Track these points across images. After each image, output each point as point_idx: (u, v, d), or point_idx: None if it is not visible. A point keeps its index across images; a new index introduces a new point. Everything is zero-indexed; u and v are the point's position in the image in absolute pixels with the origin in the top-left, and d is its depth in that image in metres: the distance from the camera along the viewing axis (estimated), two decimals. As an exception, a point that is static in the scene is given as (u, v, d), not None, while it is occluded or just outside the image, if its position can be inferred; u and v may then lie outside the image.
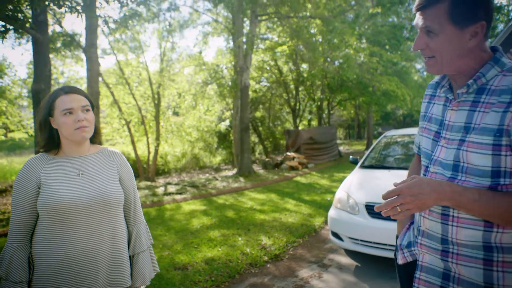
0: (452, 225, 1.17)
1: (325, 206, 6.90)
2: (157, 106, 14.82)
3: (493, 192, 1.08)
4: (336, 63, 13.48)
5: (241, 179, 11.29)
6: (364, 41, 13.36)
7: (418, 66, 20.34)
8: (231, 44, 13.65)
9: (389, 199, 1.09)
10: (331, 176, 11.22)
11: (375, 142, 5.85)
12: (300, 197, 8.02)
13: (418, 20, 1.15)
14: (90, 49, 9.38)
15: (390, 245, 3.66)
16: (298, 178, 11.13)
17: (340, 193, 4.42)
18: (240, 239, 5.09)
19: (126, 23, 8.43)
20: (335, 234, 4.21)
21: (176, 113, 17.69)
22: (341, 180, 10.15)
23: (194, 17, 14.19)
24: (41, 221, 1.57)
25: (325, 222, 5.87)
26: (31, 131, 23.09)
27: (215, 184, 10.57)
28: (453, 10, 1.08)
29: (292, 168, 12.89)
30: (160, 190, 9.95)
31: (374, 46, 12.57)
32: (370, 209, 3.91)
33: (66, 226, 1.55)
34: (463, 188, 1.08)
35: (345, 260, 4.32)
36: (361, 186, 4.45)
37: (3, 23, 6.84)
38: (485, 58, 1.15)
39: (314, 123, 23.03)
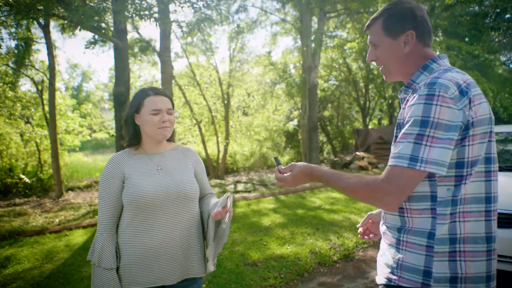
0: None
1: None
2: (227, 106, 15.19)
3: (337, 172, 1.33)
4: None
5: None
6: (439, 34, 12.46)
7: (503, 58, 18.57)
8: (299, 43, 13.57)
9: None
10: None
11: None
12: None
13: (368, 37, 1.40)
14: (164, 53, 9.88)
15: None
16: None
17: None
18: (308, 237, 5.03)
19: (198, 26, 8.75)
20: None
21: (245, 113, 17.98)
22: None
23: (262, 17, 14.33)
24: (125, 212, 1.68)
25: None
26: (112, 132, 25.05)
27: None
28: (385, 24, 1.33)
29: (362, 168, 12.48)
30: (230, 188, 10.20)
31: (451, 39, 11.67)
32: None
33: (148, 217, 1.65)
34: (317, 169, 1.38)
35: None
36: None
37: (93, 35, 7.51)
38: (421, 64, 1.32)
39: (385, 122, 22.06)
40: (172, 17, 8.94)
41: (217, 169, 14.58)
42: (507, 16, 13.04)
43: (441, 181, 1.17)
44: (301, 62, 13.35)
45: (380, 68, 1.42)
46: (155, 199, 1.65)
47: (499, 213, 3.36)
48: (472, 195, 1.16)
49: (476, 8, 13.09)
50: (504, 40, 14.62)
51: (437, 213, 1.17)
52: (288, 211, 6.81)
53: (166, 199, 1.68)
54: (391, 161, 1.16)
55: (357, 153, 13.38)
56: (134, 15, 7.06)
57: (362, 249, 4.64)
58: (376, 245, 4.75)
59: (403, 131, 1.16)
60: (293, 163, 1.45)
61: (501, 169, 4.22)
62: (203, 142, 14.16)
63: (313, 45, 11.13)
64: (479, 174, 1.17)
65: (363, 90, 18.87)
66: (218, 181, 12.29)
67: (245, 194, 8.78)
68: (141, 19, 7.26)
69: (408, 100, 1.26)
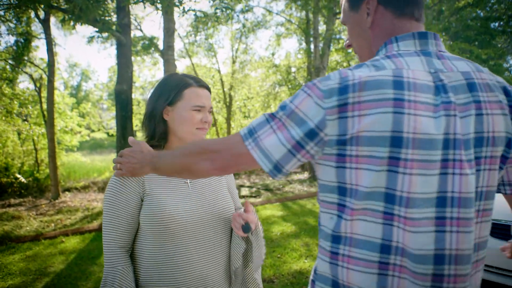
0: None
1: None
2: (229, 107, 14.87)
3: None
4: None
5: (316, 183, 10.82)
6: (445, 36, 12.15)
7: (506, 65, 18.26)
8: (303, 45, 13.26)
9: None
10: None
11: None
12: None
13: None
14: (167, 52, 9.51)
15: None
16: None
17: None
18: (325, 250, 4.67)
19: (208, 20, 8.41)
20: None
21: (246, 116, 17.65)
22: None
23: (267, 18, 14.04)
24: (144, 240, 1.28)
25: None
26: (112, 131, 24.66)
27: (290, 187, 10.23)
28: None
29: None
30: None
31: (461, 42, 11.38)
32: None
33: (175, 246, 1.26)
34: (152, 153, 1.16)
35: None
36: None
37: (95, 30, 7.16)
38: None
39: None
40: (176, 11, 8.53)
41: (219, 172, 14.20)
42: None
43: (324, 204, 0.90)
44: (306, 64, 13.04)
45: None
46: (183, 221, 1.25)
47: (494, 223, 3.10)
48: (362, 238, 0.84)
49: (480, 12, 12.83)
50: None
51: (320, 244, 0.91)
52: (298, 219, 6.44)
53: (199, 221, 1.29)
54: None
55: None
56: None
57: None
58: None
59: None
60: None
61: None
62: (205, 144, 13.80)
63: (321, 45, 10.81)
64: (373, 213, 0.82)
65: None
66: (220, 184, 11.90)
67: (251, 200, 8.41)
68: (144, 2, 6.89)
69: None
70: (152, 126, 1.34)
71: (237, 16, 12.74)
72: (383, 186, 0.80)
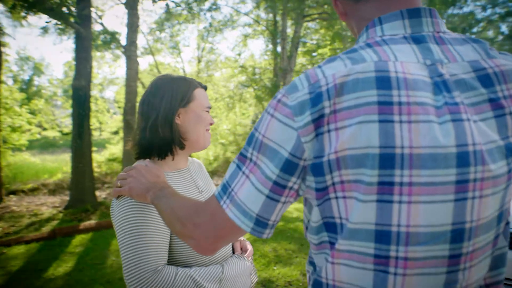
0: None
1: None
2: (192, 108, 14.52)
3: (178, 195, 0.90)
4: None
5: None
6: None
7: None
8: (270, 46, 13.21)
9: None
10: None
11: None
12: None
13: None
14: (130, 48, 9.09)
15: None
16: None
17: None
18: (294, 255, 4.50)
19: (170, 19, 8.08)
20: None
21: (213, 117, 17.48)
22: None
23: (234, 17, 13.86)
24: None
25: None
26: (66, 129, 23.39)
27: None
28: None
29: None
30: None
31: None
32: None
33: (186, 257, 1.18)
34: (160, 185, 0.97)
35: None
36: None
37: (48, 19, 6.61)
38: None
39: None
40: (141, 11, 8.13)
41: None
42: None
43: (313, 246, 0.72)
44: (273, 65, 13.00)
45: None
46: None
47: None
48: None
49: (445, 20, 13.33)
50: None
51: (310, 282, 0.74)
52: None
53: None
54: None
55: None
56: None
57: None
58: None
59: None
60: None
61: None
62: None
63: (288, 47, 10.77)
64: (360, 256, 0.63)
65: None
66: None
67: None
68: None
69: None
70: (169, 131, 1.19)
71: (204, 14, 12.45)
72: (373, 222, 0.60)
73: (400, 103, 0.58)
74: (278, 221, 0.68)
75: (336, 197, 0.62)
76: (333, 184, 0.61)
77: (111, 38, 10.73)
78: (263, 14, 13.48)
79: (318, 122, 0.60)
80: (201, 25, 13.86)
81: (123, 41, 9.46)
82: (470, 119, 0.60)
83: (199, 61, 14.99)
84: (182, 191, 1.22)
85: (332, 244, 0.66)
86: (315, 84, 0.62)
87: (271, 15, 12.73)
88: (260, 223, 0.66)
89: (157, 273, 1.02)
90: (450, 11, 12.99)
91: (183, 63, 14.83)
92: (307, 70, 0.66)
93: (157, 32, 12.38)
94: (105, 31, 10.76)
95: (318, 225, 0.67)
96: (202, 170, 1.40)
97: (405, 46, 0.65)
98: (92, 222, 5.97)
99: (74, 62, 7.38)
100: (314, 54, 14.85)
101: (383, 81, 0.59)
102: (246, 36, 14.13)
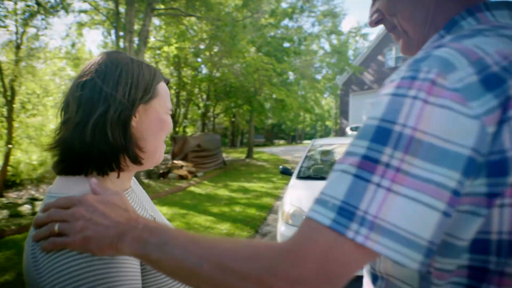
0: None
1: (241, 219, 6.41)
2: (10, 103, 12.15)
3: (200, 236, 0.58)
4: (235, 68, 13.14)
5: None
6: (253, 49, 13.40)
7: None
8: (113, 37, 12.13)
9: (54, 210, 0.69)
10: (226, 186, 10.77)
11: (305, 152, 5.56)
12: (206, 210, 7.33)
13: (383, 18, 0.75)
14: None
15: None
16: (192, 188, 10.37)
17: (290, 207, 4.03)
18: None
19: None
20: None
21: (34, 114, 14.93)
22: (239, 190, 9.87)
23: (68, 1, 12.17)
24: None
25: (255, 236, 5.35)
26: None
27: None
28: None
29: (181, 178, 11.99)
30: (26, 208, 7.95)
31: (264, 55, 12.71)
32: None
33: None
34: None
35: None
36: (312, 199, 4.11)
37: None
38: (444, 23, 0.71)
39: (190, 130, 22.40)
40: None
41: (-4, 183, 11.41)
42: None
43: (437, 273, 0.56)
44: (114, 60, 11.97)
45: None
46: None
47: None
48: None
49: (283, 31, 14.77)
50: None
51: None
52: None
53: None
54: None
55: (175, 161, 12.84)
56: None
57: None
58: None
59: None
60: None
61: None
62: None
63: (136, 41, 10.03)
64: None
65: (174, 98, 18.56)
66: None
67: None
68: None
69: None
70: (110, 137, 0.76)
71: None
72: None
73: None
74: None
75: (501, 205, 0.50)
76: (504, 187, 0.49)
77: None
78: (102, 3, 12.26)
79: (504, 107, 0.48)
80: (20, 4, 11.66)
81: None
82: None
83: (18, 47, 12.63)
84: None
85: (477, 270, 0.53)
86: (478, 62, 0.49)
87: (112, 4, 11.67)
88: (430, 252, 0.46)
89: None
90: None
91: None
92: (451, 45, 0.51)
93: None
94: None
95: (466, 244, 0.53)
96: (141, 189, 1.02)
97: None
98: None
99: None
100: (159, 51, 14.31)
101: None
102: (81, 24, 12.59)
